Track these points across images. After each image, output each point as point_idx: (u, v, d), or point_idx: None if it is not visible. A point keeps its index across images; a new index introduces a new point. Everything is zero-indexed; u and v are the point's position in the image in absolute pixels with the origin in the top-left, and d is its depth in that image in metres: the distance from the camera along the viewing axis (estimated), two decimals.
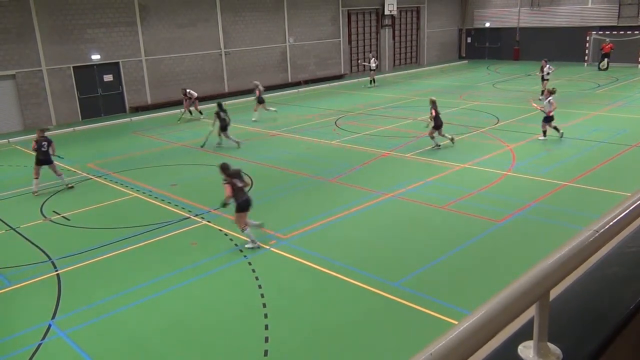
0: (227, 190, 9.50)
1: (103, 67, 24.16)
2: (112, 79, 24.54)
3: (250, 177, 13.86)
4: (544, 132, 16.27)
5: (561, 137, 16.20)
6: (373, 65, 28.95)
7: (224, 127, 17.19)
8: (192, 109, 22.85)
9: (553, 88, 16.72)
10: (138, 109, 24.95)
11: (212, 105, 25.41)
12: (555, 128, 16.17)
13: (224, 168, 9.65)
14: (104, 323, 7.70)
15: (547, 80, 22.68)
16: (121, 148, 18.54)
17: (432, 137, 15.78)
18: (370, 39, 35.80)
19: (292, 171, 14.57)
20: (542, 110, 16.09)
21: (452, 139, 16.01)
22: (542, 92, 21.51)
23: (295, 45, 31.05)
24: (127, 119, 23.69)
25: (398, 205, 11.70)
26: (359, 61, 29.42)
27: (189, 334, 7.36)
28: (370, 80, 29.44)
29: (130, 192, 13.39)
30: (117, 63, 24.49)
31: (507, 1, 38.88)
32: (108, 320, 7.78)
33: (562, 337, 1.65)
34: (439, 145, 15.81)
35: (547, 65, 22.60)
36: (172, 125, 21.81)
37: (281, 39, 30.37)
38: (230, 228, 10.73)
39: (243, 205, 9.61)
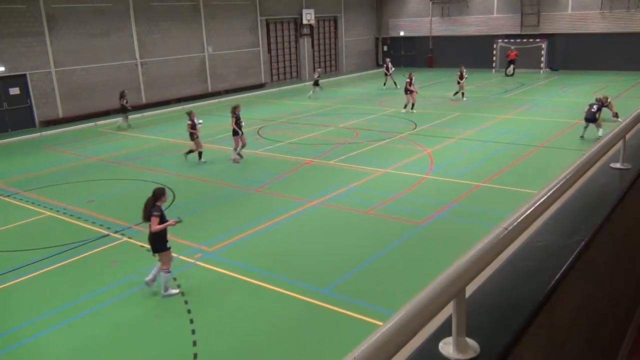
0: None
1: (8, 80, 22.69)
2: (18, 92, 23.10)
3: (172, 190, 13.57)
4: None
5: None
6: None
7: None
8: None
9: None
10: (49, 123, 23.66)
11: (135, 117, 24.63)
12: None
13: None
14: (20, 351, 7.22)
15: (415, 92, 23.03)
16: (31, 165, 17.49)
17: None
18: (290, 48, 36.02)
19: (215, 182, 14.34)
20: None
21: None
22: (412, 105, 22.54)
23: (214, 54, 30.66)
24: (38, 134, 22.39)
25: (323, 212, 11.82)
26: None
27: (113, 358, 7.04)
28: None
29: (43, 211, 12.66)
30: (24, 75, 23.11)
31: (419, 11, 40.37)
32: (24, 347, 7.30)
33: (479, 331, 1.71)
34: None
35: (412, 78, 23.04)
36: (87, 139, 20.85)
37: (199, 49, 29.89)
38: None
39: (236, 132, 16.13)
